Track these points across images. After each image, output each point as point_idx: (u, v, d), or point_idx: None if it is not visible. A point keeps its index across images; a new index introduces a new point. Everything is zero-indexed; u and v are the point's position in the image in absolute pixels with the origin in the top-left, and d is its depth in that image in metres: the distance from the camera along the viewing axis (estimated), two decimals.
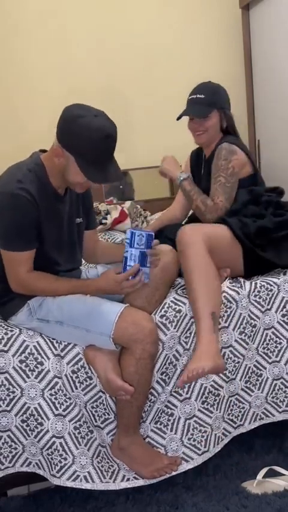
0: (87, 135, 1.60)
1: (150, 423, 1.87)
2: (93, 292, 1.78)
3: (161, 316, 1.85)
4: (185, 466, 1.87)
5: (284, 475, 1.87)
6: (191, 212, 2.40)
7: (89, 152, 1.63)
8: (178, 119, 2.21)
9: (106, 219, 3.06)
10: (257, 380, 1.97)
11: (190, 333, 1.87)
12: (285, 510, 1.70)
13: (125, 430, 1.79)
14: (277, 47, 3.08)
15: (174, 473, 1.84)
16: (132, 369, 1.72)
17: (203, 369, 1.68)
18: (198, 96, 2.17)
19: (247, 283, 1.96)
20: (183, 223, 2.41)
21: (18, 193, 1.66)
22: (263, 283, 1.97)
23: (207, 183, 2.19)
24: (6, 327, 1.81)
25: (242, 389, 1.95)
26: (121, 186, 3.56)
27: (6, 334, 1.78)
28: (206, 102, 2.16)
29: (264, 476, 1.86)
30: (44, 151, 1.82)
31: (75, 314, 1.74)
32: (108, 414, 1.83)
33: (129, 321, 1.69)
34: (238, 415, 1.95)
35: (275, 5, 3.05)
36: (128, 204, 3.25)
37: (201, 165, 2.34)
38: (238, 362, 1.92)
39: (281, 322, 1.98)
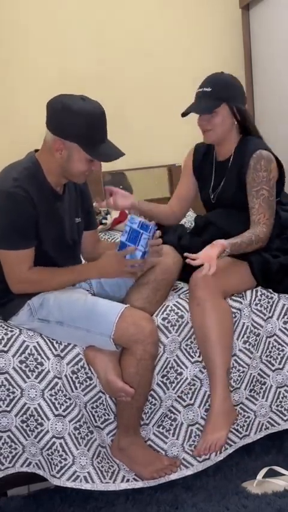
0: (84, 118, 1.65)
1: (153, 426, 1.87)
2: (93, 272, 1.79)
3: (163, 319, 1.85)
4: (184, 472, 1.87)
5: (284, 475, 1.87)
6: (187, 216, 2.35)
7: (89, 135, 1.67)
8: (183, 115, 2.00)
9: (106, 219, 3.06)
10: (261, 388, 1.97)
11: (191, 342, 1.88)
12: (285, 510, 1.70)
13: (125, 431, 1.79)
14: (277, 47, 3.09)
15: (173, 476, 1.85)
16: (132, 369, 1.72)
17: (220, 440, 1.79)
18: (205, 89, 1.94)
19: (248, 292, 1.96)
20: (179, 225, 2.32)
21: (14, 192, 1.66)
22: (263, 291, 1.97)
23: (232, 192, 2.02)
24: (6, 327, 1.81)
25: (247, 398, 1.95)
26: (121, 186, 3.56)
27: (6, 334, 1.78)
28: (213, 95, 1.93)
29: (264, 476, 1.86)
30: (37, 151, 1.82)
31: (75, 314, 1.74)
32: (108, 415, 1.83)
33: (130, 322, 1.69)
34: (243, 425, 1.94)
35: (275, 5, 3.05)
36: None
37: (211, 165, 2.12)
38: (243, 372, 1.91)
39: (283, 329, 1.97)
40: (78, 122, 1.65)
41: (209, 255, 1.74)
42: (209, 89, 1.94)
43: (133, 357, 1.71)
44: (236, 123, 2.01)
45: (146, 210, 2.13)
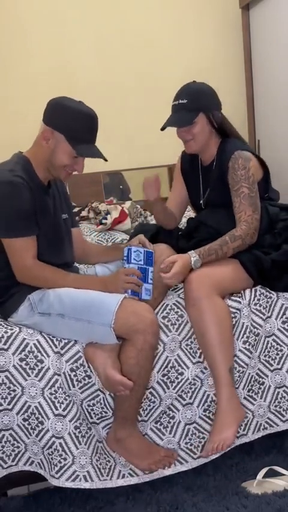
0: (76, 116, 1.76)
1: (150, 422, 1.88)
2: (97, 284, 1.81)
3: (163, 318, 1.86)
4: (179, 468, 1.87)
5: (284, 475, 1.87)
6: (185, 219, 2.34)
7: (78, 131, 1.76)
8: (162, 129, 2.03)
9: (106, 219, 3.06)
10: (259, 388, 1.97)
11: (192, 342, 1.88)
12: (285, 510, 1.70)
13: (122, 422, 1.79)
14: (277, 47, 3.09)
15: (167, 471, 1.84)
16: (133, 360, 1.72)
17: (228, 440, 1.79)
18: (180, 101, 1.99)
19: (247, 291, 1.95)
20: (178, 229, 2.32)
21: (14, 180, 1.73)
22: (262, 291, 1.96)
23: (219, 195, 2.05)
24: (6, 325, 1.81)
25: (245, 398, 1.94)
26: (121, 186, 3.56)
27: (6, 332, 1.77)
28: (189, 107, 1.97)
29: (264, 476, 1.86)
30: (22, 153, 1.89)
31: (76, 305, 1.75)
32: (106, 412, 1.82)
33: (130, 311, 1.70)
34: (241, 425, 1.94)
35: (275, 5, 3.06)
36: (128, 204, 3.25)
37: (197, 172, 2.17)
38: (242, 372, 1.91)
39: (281, 329, 1.97)
40: (68, 116, 1.75)
41: (171, 275, 1.80)
42: (184, 101, 1.97)
43: (134, 347, 1.71)
44: (213, 129, 2.04)
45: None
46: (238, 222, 1.94)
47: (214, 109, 2.02)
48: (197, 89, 2.01)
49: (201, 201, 2.16)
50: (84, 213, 3.29)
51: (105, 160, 1.81)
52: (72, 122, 1.75)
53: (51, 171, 1.83)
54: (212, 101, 2.02)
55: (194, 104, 1.97)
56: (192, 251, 1.87)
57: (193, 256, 1.85)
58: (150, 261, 1.82)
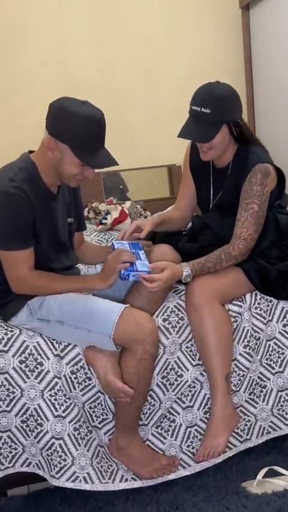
0: (79, 122, 1.64)
1: (151, 427, 1.88)
2: (94, 281, 1.79)
3: (164, 320, 1.86)
4: (182, 472, 1.87)
5: (284, 475, 1.87)
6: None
7: (83, 139, 1.66)
8: (179, 136, 1.90)
9: (106, 219, 3.06)
10: (261, 391, 1.97)
11: (192, 344, 1.88)
12: (285, 510, 1.70)
13: (123, 430, 1.79)
14: (277, 47, 3.09)
15: (171, 476, 1.85)
16: (132, 369, 1.72)
17: (220, 446, 1.81)
18: (203, 110, 1.82)
19: (247, 295, 1.95)
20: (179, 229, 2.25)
21: (12, 192, 1.66)
22: (262, 294, 1.96)
23: (231, 200, 1.96)
24: (6, 327, 1.81)
25: (246, 400, 1.95)
26: (121, 186, 3.56)
27: (6, 334, 1.78)
28: (213, 119, 1.83)
29: (264, 476, 1.86)
30: (32, 152, 1.82)
31: (75, 314, 1.74)
32: (107, 414, 1.83)
33: (130, 321, 1.69)
34: (244, 429, 1.94)
35: (275, 5, 3.05)
36: (128, 204, 3.25)
37: (207, 172, 2.07)
38: (243, 375, 1.91)
39: (283, 332, 1.97)
40: (72, 124, 1.64)
41: (158, 280, 1.73)
42: (208, 111, 1.82)
43: (133, 356, 1.71)
44: (232, 136, 1.94)
45: (160, 224, 2.06)
46: (237, 237, 1.88)
47: (236, 117, 1.90)
48: (222, 97, 1.84)
49: (211, 205, 2.09)
50: (84, 213, 3.28)
51: (117, 164, 1.72)
52: (76, 130, 1.64)
53: (60, 178, 1.77)
54: (235, 109, 1.89)
55: (218, 115, 1.83)
56: (185, 264, 1.82)
57: (185, 270, 1.80)
58: (138, 246, 1.80)
